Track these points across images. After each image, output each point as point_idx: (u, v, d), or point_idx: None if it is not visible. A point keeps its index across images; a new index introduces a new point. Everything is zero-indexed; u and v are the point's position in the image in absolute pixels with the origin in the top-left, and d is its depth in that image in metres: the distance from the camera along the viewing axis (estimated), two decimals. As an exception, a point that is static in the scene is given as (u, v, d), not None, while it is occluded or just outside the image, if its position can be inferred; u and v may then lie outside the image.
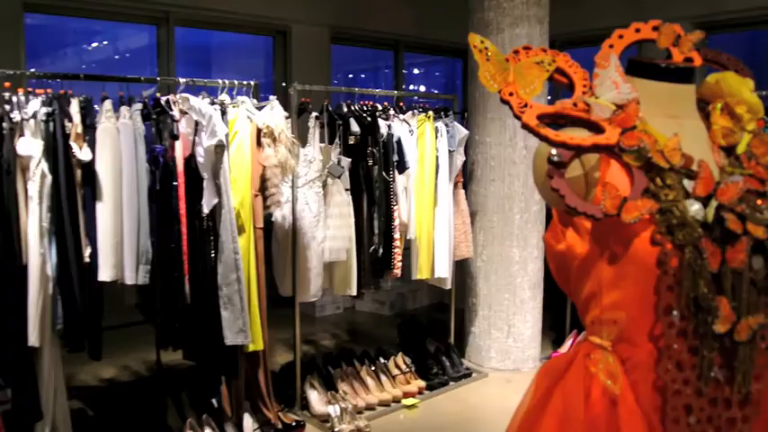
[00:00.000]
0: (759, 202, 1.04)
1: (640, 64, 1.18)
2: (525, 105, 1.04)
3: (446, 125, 3.70)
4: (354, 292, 3.43)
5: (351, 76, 8.86)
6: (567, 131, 1.07)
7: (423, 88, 7.74)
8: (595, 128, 1.05)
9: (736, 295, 1.03)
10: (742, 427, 1.07)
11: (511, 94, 1.06)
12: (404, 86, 6.32)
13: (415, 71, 8.83)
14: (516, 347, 4.03)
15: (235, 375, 2.99)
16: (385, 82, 7.17)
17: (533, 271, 4.00)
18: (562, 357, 1.21)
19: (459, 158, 3.78)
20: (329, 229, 3.29)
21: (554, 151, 1.01)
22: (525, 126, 1.01)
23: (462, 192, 3.89)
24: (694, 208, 1.03)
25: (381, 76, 7.65)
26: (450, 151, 3.71)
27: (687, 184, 1.06)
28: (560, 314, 4.52)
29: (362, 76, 9.09)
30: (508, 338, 4.02)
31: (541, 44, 3.73)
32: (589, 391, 1.11)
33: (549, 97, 4.13)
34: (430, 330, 4.46)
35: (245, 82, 3.05)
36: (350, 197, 3.36)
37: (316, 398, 3.49)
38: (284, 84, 5.49)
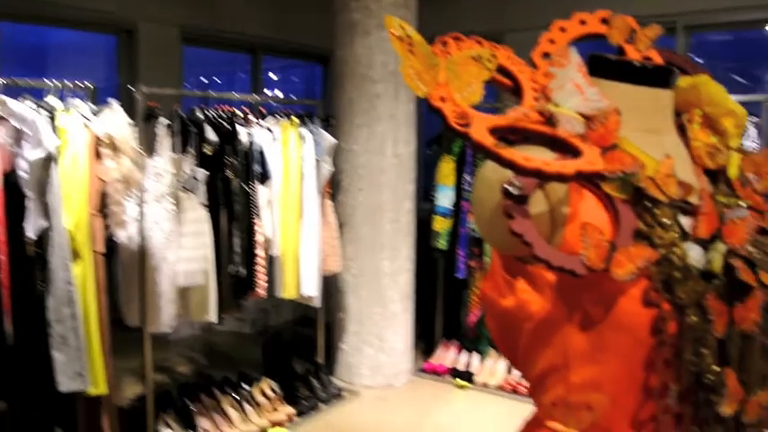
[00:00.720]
0: None
1: (607, 62, 0.92)
2: (464, 115, 0.77)
3: (312, 132, 3.47)
4: (214, 318, 3.11)
5: (205, 81, 8.38)
6: (522, 150, 0.79)
7: (280, 94, 7.44)
8: (561, 146, 0.79)
9: (743, 365, 0.82)
10: None
11: (443, 100, 0.77)
12: (262, 92, 6.01)
13: (273, 76, 8.50)
14: (389, 362, 3.88)
15: (72, 426, 2.57)
16: (242, 87, 6.80)
17: (404, 282, 3.86)
18: None
19: (327, 167, 3.56)
20: (183, 249, 2.95)
21: (514, 181, 0.74)
22: (478, 146, 0.73)
23: (330, 203, 3.67)
24: (695, 253, 0.80)
25: (238, 81, 7.26)
26: (316, 160, 3.48)
27: (683, 221, 0.83)
28: (429, 323, 4.43)
29: (218, 81, 8.62)
30: (380, 354, 3.86)
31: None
32: None
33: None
34: (296, 348, 4.20)
35: (79, 84, 2.65)
36: (206, 213, 3.03)
37: (172, 437, 3.13)
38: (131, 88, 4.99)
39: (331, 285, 3.96)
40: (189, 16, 5.27)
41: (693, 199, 0.83)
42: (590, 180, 0.78)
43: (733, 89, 3.50)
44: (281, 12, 5.81)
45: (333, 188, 3.79)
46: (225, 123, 3.11)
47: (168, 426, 3.17)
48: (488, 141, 0.72)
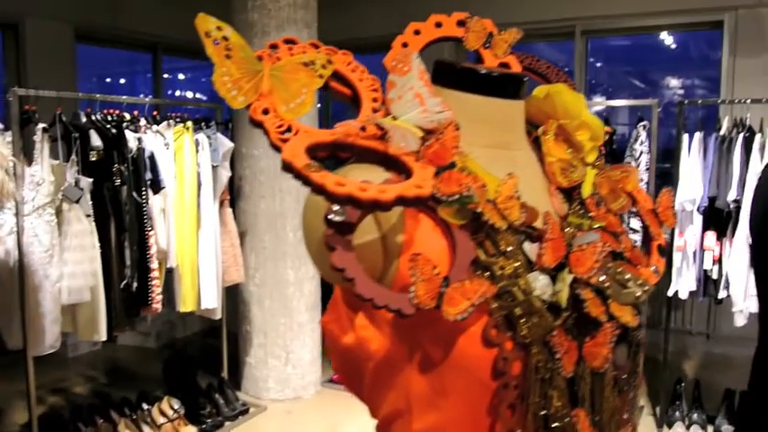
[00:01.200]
0: (621, 268, 0.76)
1: (452, 69, 0.82)
2: (288, 130, 0.67)
3: (208, 137, 3.31)
4: (104, 337, 2.91)
5: (108, 80, 7.99)
6: (352, 171, 0.71)
7: (189, 95, 7.19)
8: (396, 165, 0.70)
9: (595, 405, 0.74)
10: None
11: (266, 112, 0.68)
12: (168, 93, 5.76)
13: (181, 77, 8.19)
14: (296, 374, 3.76)
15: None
16: (147, 88, 6.52)
17: (310, 291, 3.75)
18: None
19: (225, 174, 3.42)
20: (67, 264, 2.74)
21: (336, 207, 0.65)
22: (288, 167, 0.62)
23: (229, 210, 3.52)
24: (541, 284, 0.71)
25: (142, 81, 6.96)
26: (213, 166, 3.32)
27: (527, 248, 0.74)
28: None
29: (121, 81, 8.24)
30: (287, 366, 3.74)
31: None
32: None
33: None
34: (201, 363, 4.03)
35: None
36: (93, 225, 2.84)
37: (61, 465, 2.92)
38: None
39: (235, 296, 3.81)
40: (83, 12, 4.98)
41: (539, 223, 0.75)
42: (420, 205, 0.69)
43: (632, 93, 3.61)
44: (180, 9, 5.57)
45: (232, 195, 3.64)
46: (111, 128, 2.92)
47: (57, 454, 2.95)
48: (298, 162, 0.62)
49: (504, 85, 0.82)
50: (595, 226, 0.77)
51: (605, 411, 0.74)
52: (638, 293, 0.74)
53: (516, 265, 0.71)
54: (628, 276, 0.75)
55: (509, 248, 0.71)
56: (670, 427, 3.45)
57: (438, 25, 0.85)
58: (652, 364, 4.25)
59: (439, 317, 0.66)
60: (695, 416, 3.47)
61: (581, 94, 0.86)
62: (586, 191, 0.81)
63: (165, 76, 6.58)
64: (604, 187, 0.83)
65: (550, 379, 0.70)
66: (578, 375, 0.72)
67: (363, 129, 0.70)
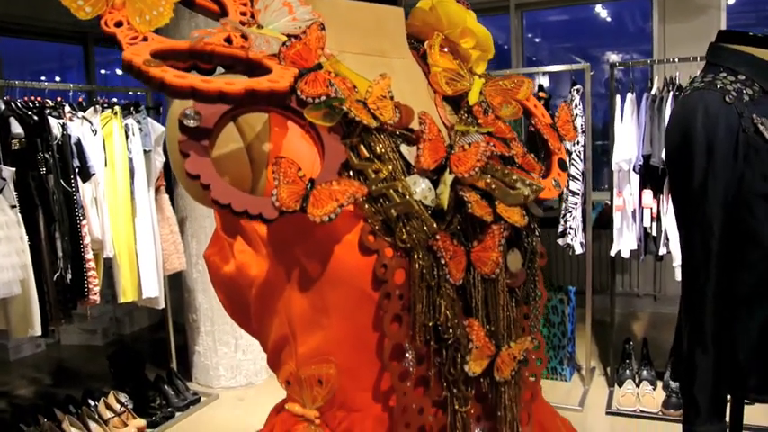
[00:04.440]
0: (509, 170, 0.72)
1: None
2: (145, 39, 0.61)
3: (138, 122, 3.22)
4: (38, 332, 2.80)
5: (42, 78, 7.72)
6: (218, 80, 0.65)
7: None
8: (257, 69, 0.64)
9: (489, 314, 0.71)
10: None
11: (119, 24, 0.61)
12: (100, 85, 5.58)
13: (119, 72, 7.99)
14: (247, 360, 3.70)
15: None
16: (81, 83, 6.31)
17: (257, 275, 3.69)
18: None
19: (159, 159, 3.32)
20: (-7, 258, 2.63)
21: (188, 111, 0.59)
22: (128, 66, 0.56)
23: (166, 197, 3.43)
24: (421, 188, 0.67)
25: (76, 77, 6.75)
26: (145, 151, 3.23)
27: (406, 151, 0.70)
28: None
29: (56, 79, 7.98)
30: (236, 352, 3.67)
31: None
32: None
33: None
34: (150, 356, 3.93)
35: None
36: (18, 216, 2.72)
37: (2, 468, 2.81)
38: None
39: (179, 285, 3.73)
40: (4, 4, 4.78)
41: (415, 124, 0.71)
42: (276, 104, 0.64)
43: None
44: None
45: (169, 181, 3.55)
46: (32, 115, 2.80)
47: (-3, 457, 2.84)
48: (137, 58, 0.56)
49: None
50: (482, 132, 0.74)
51: (500, 321, 0.72)
52: (527, 193, 0.72)
53: (392, 168, 0.67)
54: (515, 178, 0.72)
55: (384, 151, 0.68)
56: (621, 385, 3.51)
57: None
58: (601, 326, 4.33)
59: (312, 228, 0.63)
60: (644, 373, 3.54)
61: (469, 10, 0.83)
62: (473, 98, 0.78)
63: (102, 71, 6.39)
64: (493, 96, 0.80)
65: (438, 287, 0.67)
66: (469, 283, 0.70)
67: (229, 41, 0.64)
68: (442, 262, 0.67)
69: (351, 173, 0.66)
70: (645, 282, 5.00)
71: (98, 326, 4.63)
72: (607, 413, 3.31)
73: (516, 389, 0.74)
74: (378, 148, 0.68)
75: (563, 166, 0.82)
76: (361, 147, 0.67)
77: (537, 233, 0.76)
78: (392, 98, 0.70)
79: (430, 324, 0.67)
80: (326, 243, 0.66)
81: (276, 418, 0.77)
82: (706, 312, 1.21)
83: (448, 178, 0.68)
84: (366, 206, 0.65)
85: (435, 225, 0.67)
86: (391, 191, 0.66)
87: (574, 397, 3.48)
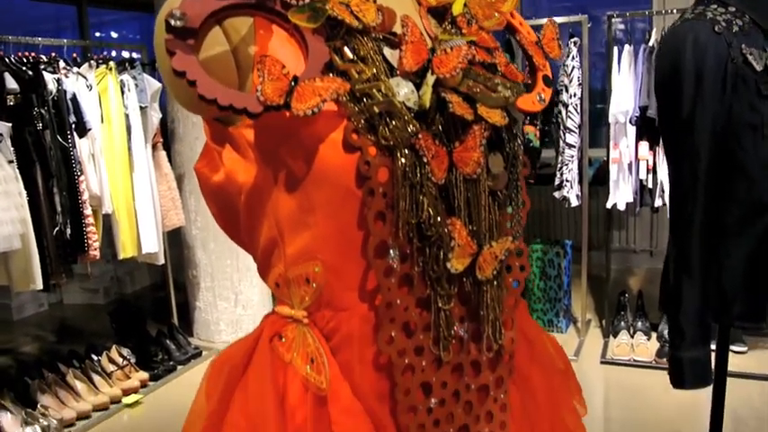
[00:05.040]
0: (491, 75, 0.74)
1: None
2: None
3: (134, 78, 3.21)
4: (39, 286, 2.84)
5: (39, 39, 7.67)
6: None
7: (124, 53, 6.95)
8: None
9: (472, 215, 0.73)
10: (496, 392, 0.79)
11: None
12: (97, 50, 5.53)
13: (114, 34, 7.93)
14: (246, 315, 3.75)
15: None
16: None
17: (256, 231, 3.72)
18: (240, 343, 0.81)
19: (155, 115, 3.32)
20: (-8, 212, 2.65)
21: (174, 11, 0.61)
22: None
23: (163, 153, 3.44)
24: (404, 92, 0.69)
25: (70, 36, 6.69)
26: (141, 107, 3.23)
27: (389, 54, 0.71)
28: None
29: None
30: (236, 307, 3.72)
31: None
32: (284, 390, 0.74)
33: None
34: (152, 314, 3.99)
35: None
36: (16, 171, 2.73)
37: (9, 421, 2.86)
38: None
39: (178, 242, 3.76)
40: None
41: (398, 27, 0.72)
42: (261, 7, 0.66)
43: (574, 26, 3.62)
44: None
45: (166, 137, 3.55)
46: (27, 70, 2.79)
47: (4, 407, 2.89)
48: None
49: None
50: (466, 40, 0.75)
51: (482, 221, 0.74)
52: (508, 95, 0.73)
53: (376, 69, 0.69)
54: (497, 81, 0.74)
55: (367, 54, 0.69)
56: (615, 336, 3.56)
57: None
58: (597, 281, 4.37)
59: (297, 128, 0.64)
60: (639, 324, 3.59)
61: None
62: (457, 9, 0.78)
63: (97, 33, 6.33)
64: (477, 8, 0.80)
65: (421, 185, 0.69)
66: (452, 184, 0.72)
67: None
68: (425, 161, 0.68)
69: (334, 74, 0.67)
70: (641, 237, 5.03)
71: (100, 285, 4.67)
72: (601, 362, 3.37)
73: (498, 290, 0.76)
74: (361, 50, 0.69)
75: (548, 82, 0.83)
76: (345, 49, 0.69)
77: (519, 140, 0.78)
78: (375, 1, 0.71)
79: (413, 222, 0.69)
80: (311, 142, 0.68)
81: (265, 321, 0.80)
82: (692, 241, 1.23)
83: (430, 79, 0.70)
84: (350, 105, 0.67)
85: (418, 125, 0.69)
86: (374, 90, 0.67)
87: (569, 348, 3.54)
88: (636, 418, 2.80)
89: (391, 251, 0.70)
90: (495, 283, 0.76)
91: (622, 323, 3.64)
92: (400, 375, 0.72)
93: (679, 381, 1.28)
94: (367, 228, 0.69)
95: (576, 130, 3.45)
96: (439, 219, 0.70)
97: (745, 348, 3.37)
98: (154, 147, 3.36)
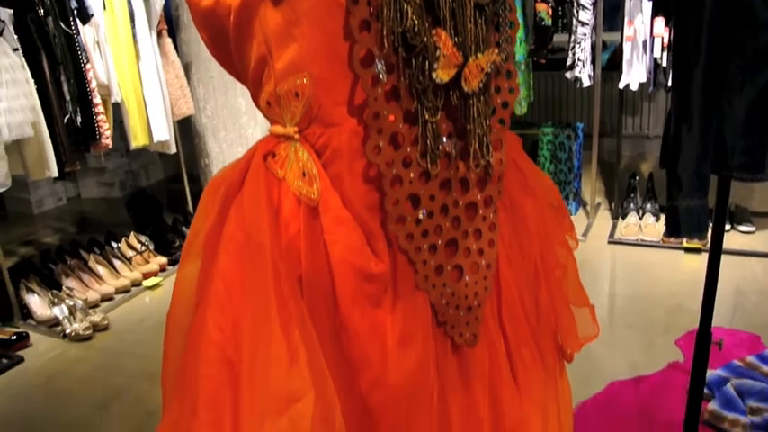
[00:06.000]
0: None
1: None
2: None
3: (133, -39, 3.12)
4: (55, 173, 2.89)
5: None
6: None
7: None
8: None
9: (457, 26, 0.73)
10: (485, 211, 0.81)
11: None
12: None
13: None
14: (260, 203, 3.81)
15: None
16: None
17: (264, 119, 3.71)
18: (234, 165, 0.84)
19: (158, 2, 3.25)
20: (1, 101, 2.66)
21: None
22: None
23: (169, 41, 3.39)
24: None
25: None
26: (143, -7, 3.16)
27: None
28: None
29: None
30: (250, 195, 3.78)
31: None
32: (278, 205, 0.78)
33: None
34: (168, 204, 4.07)
35: None
36: (22, 58, 2.72)
37: (37, 302, 3.00)
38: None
39: (188, 133, 3.78)
40: None
41: None
42: None
43: None
44: None
45: (171, 25, 3.49)
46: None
47: (31, 290, 3.03)
48: None
49: None
50: None
51: (468, 33, 0.74)
52: None
53: None
54: None
55: None
56: (624, 217, 3.60)
57: None
58: (608, 166, 4.37)
59: None
60: (648, 206, 3.62)
61: None
62: None
63: None
64: None
65: None
66: None
67: None
68: None
69: None
70: (655, 123, 4.97)
71: (115, 179, 4.75)
72: (609, 242, 3.43)
73: (485, 106, 0.78)
74: None
75: None
76: None
77: None
78: None
79: (398, 30, 0.70)
80: None
81: (258, 143, 0.83)
82: (693, 90, 1.22)
83: None
84: None
85: None
86: None
87: (578, 229, 3.53)
88: (641, 292, 2.88)
89: (377, 62, 0.71)
90: (481, 97, 0.77)
91: (632, 205, 3.67)
92: (389, 186, 0.75)
93: (674, 228, 1.31)
94: (353, 37, 0.70)
95: (590, 8, 3.34)
96: (424, 28, 0.71)
97: (752, 228, 3.40)
98: (159, 34, 3.31)
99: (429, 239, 0.78)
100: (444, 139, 0.77)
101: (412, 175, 0.75)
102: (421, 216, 0.77)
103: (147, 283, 3.28)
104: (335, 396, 0.72)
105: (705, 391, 2.06)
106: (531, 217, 0.89)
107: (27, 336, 2.81)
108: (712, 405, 2.00)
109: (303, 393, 0.70)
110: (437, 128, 0.75)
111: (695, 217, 1.28)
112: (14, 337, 2.77)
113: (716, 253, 1.34)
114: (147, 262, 3.39)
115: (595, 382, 2.20)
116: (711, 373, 2.11)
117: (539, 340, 0.91)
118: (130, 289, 3.24)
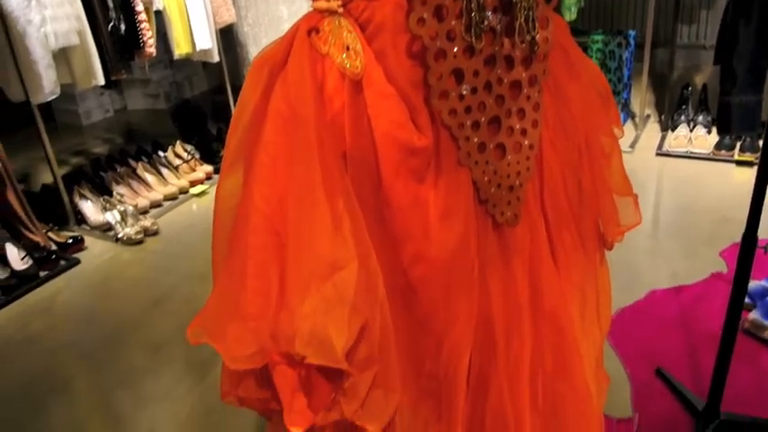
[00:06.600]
0: None
1: None
2: None
3: None
4: (102, 81, 2.93)
5: None
6: None
7: None
8: None
9: None
10: (529, 90, 0.80)
11: None
12: None
13: None
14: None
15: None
16: None
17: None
18: (278, 42, 0.82)
19: None
20: (47, 8, 2.67)
21: None
22: None
23: (208, -54, 3.34)
24: None
25: None
26: None
27: None
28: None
29: None
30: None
31: None
32: (322, 80, 0.77)
33: None
34: (213, 114, 4.10)
35: None
36: (65, -36, 2.72)
37: (90, 208, 3.11)
38: None
39: (231, 45, 3.76)
40: None
41: None
42: None
43: None
44: None
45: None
46: None
47: (84, 197, 3.14)
48: None
49: None
50: None
51: None
52: None
53: None
54: None
55: None
56: (674, 129, 3.49)
57: None
58: (660, 78, 4.21)
59: None
60: (700, 118, 3.48)
61: None
62: None
63: None
64: None
65: None
66: None
67: None
68: None
69: None
70: (712, 33, 4.72)
71: (160, 90, 4.79)
72: (657, 154, 3.34)
73: None
74: None
75: None
76: None
77: None
78: None
79: None
80: None
81: (301, 19, 0.82)
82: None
83: None
84: None
85: None
86: None
87: (625, 140, 3.49)
88: (687, 204, 2.82)
89: None
90: None
91: (682, 117, 3.54)
92: (433, 60, 0.74)
93: (725, 125, 1.27)
94: None
95: None
96: None
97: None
98: (198, -62, 3.25)
99: (472, 116, 0.77)
100: (489, 14, 0.75)
101: (456, 49, 0.74)
102: (464, 92, 0.77)
103: (193, 190, 3.36)
104: (378, 267, 0.75)
105: (747, 300, 2.04)
106: (576, 101, 0.87)
107: (82, 239, 2.93)
108: (753, 314, 1.99)
109: (347, 262, 0.72)
110: (482, 0, 0.73)
111: (748, 113, 1.23)
112: (70, 241, 2.89)
113: (766, 159, 1.30)
114: (194, 170, 3.46)
115: (637, 290, 2.21)
116: (754, 284, 2.09)
117: (580, 225, 0.91)
118: (178, 196, 3.32)
